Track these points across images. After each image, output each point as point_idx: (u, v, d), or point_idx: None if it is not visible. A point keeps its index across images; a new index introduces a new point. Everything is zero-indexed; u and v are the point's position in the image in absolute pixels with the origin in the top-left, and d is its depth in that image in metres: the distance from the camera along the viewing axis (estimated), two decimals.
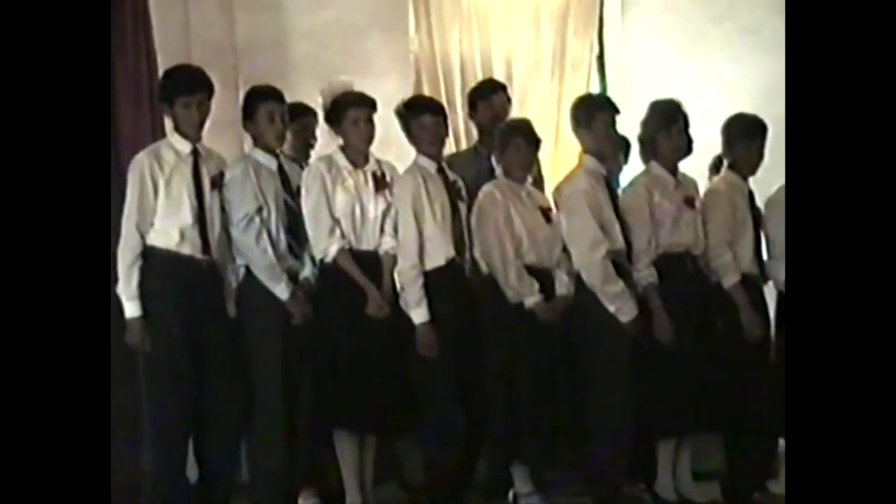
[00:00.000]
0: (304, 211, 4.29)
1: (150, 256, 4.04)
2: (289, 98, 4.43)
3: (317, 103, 4.51)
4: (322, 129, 4.59)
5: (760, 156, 4.58)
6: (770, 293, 4.59)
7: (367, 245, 4.32)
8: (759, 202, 4.65)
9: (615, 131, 4.54)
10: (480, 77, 5.84)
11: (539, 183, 4.90)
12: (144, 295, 3.99)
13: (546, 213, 4.48)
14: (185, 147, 4.16)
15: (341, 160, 4.35)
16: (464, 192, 4.48)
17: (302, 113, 4.69)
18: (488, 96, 5.04)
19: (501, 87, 5.13)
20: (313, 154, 4.78)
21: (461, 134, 5.97)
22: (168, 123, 4.25)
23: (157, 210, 4.05)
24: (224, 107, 4.42)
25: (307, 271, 4.30)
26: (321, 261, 4.29)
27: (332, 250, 4.25)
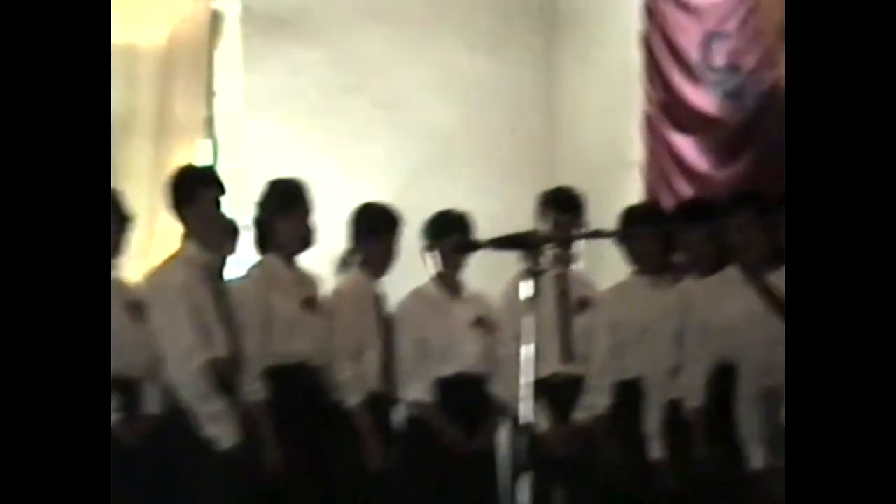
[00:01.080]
0: None
1: None
2: None
3: None
4: None
5: (392, 252, 4.37)
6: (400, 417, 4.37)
7: None
8: (391, 307, 4.44)
9: (221, 213, 4.18)
10: None
11: None
12: None
13: (135, 309, 4.02)
14: None
15: None
16: None
17: None
18: None
19: None
20: None
21: None
22: None
23: None
24: None
25: None
26: None
27: None
